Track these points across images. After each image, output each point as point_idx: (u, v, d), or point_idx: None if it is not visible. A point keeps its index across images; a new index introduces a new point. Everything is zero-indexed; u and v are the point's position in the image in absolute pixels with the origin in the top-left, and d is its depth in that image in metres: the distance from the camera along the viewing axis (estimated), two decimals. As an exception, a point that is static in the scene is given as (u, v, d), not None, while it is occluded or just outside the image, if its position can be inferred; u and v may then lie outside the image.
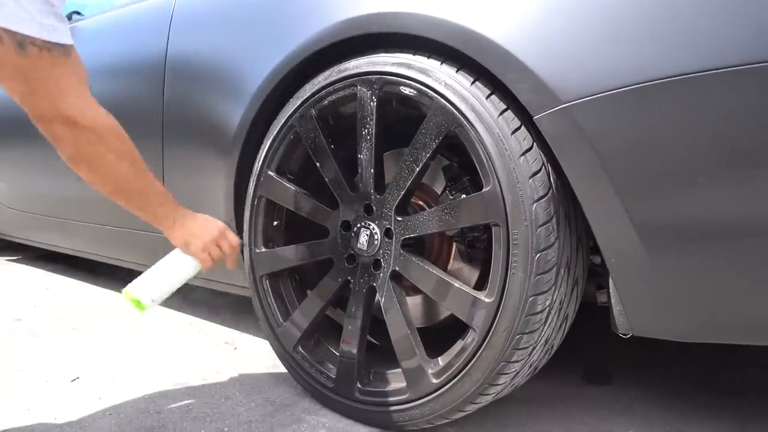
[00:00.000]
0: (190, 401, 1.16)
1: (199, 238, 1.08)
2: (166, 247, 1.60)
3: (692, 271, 0.79)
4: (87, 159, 0.93)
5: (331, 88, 1.08)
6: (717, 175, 0.75)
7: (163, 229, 1.07)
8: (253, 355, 1.46)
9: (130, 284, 1.05)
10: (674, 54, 0.74)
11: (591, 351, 1.57)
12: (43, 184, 2.06)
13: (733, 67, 0.71)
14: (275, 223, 1.24)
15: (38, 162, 2.01)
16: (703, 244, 0.77)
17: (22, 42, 0.78)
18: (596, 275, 1.07)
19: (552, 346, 0.99)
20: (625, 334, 0.88)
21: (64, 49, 0.84)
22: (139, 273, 1.82)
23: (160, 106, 1.49)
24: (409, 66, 0.98)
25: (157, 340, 1.56)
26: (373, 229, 1.06)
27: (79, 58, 0.89)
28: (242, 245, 1.19)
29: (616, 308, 0.87)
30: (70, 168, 0.94)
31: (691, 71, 0.73)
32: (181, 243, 1.08)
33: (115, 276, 2.35)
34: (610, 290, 0.88)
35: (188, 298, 2.05)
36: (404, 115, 1.08)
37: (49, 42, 0.80)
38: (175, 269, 1.10)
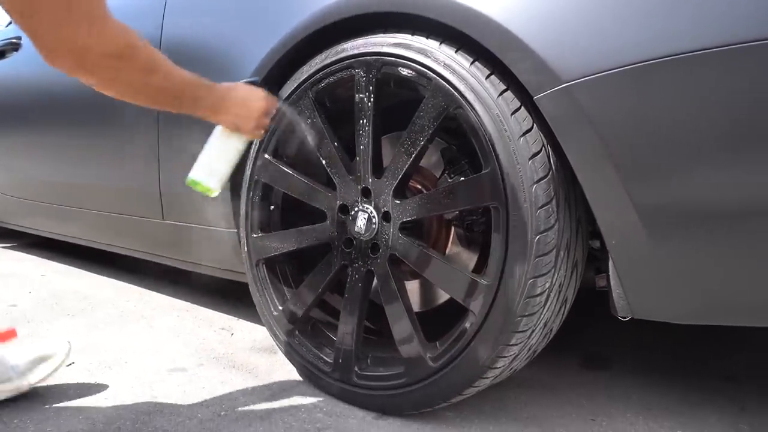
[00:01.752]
0: (186, 386, 1.15)
1: (248, 118, 1.04)
2: (163, 234, 1.59)
3: (694, 253, 0.78)
4: (113, 84, 0.86)
5: (328, 70, 1.07)
6: (720, 155, 0.74)
7: (208, 118, 1.03)
8: (250, 340, 1.46)
9: (191, 172, 1.06)
10: (677, 32, 0.73)
11: (589, 336, 1.57)
12: (40, 171, 2.04)
13: (738, 44, 0.69)
14: (272, 207, 1.23)
15: (34, 149, 2.00)
16: (705, 226, 0.76)
17: None
18: (595, 260, 1.07)
19: (551, 330, 0.98)
20: (624, 317, 0.88)
21: None
22: (134, 259, 1.80)
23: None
24: (407, 46, 0.97)
25: (154, 326, 1.56)
26: (371, 212, 1.05)
27: None
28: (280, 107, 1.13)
29: (616, 291, 0.87)
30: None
31: (694, 49, 0.72)
32: (233, 127, 1.04)
33: (110, 262, 2.34)
34: (610, 273, 0.87)
35: (185, 284, 2.04)
36: (403, 97, 1.07)
37: None
38: (227, 147, 1.08)
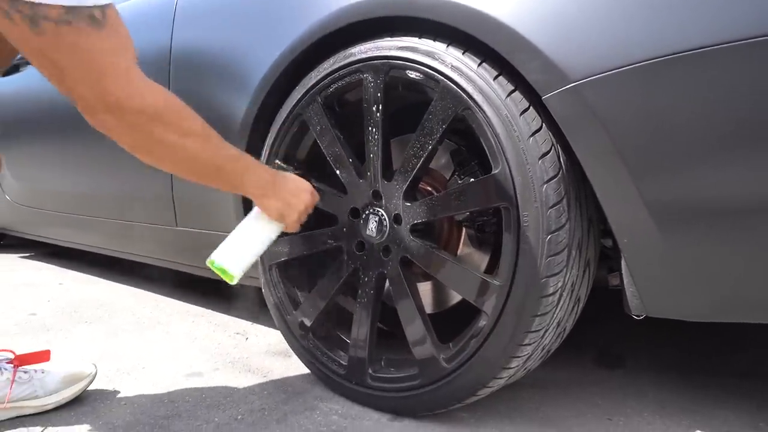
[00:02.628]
0: (203, 390, 1.17)
1: (294, 209, 0.99)
2: (177, 240, 1.61)
3: (707, 250, 0.78)
4: (146, 146, 0.80)
5: (336, 75, 1.08)
6: (731, 151, 0.74)
7: (254, 199, 0.98)
8: (264, 344, 1.47)
9: (215, 252, 0.98)
10: (686, 28, 0.73)
11: (603, 335, 1.56)
12: (55, 182, 2.07)
13: (748, 39, 0.69)
14: (284, 212, 1.24)
15: (50, 160, 2.03)
16: (718, 222, 0.76)
17: (33, 17, 0.65)
18: (607, 259, 1.07)
19: (564, 329, 0.98)
20: (638, 316, 0.88)
21: (91, 17, 0.68)
22: (150, 266, 1.82)
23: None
24: (414, 49, 0.97)
25: (170, 331, 1.57)
26: (382, 215, 1.05)
27: (118, 21, 0.73)
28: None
29: (629, 290, 0.87)
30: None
31: (703, 45, 0.72)
32: (276, 215, 0.99)
33: (127, 270, 2.37)
34: (623, 271, 0.87)
35: (199, 290, 2.06)
36: (411, 100, 1.07)
37: (66, 10, 0.66)
38: (259, 235, 1.02)
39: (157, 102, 0.77)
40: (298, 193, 1.00)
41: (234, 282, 0.99)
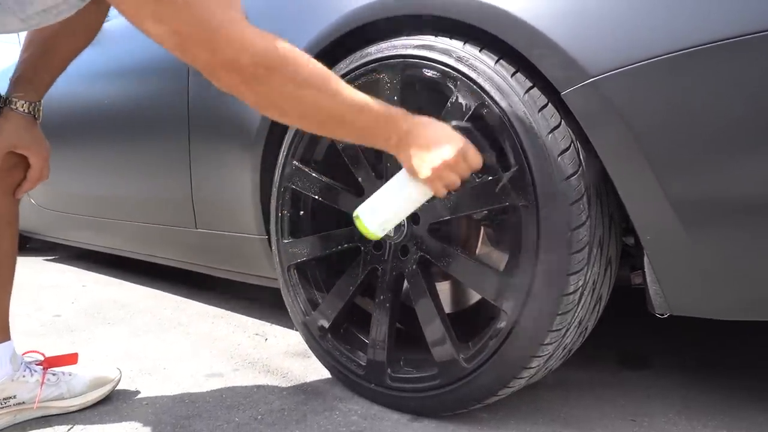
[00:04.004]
0: (223, 391, 1.17)
1: (427, 163, 0.84)
2: (196, 242, 1.63)
3: (733, 247, 0.76)
4: (268, 99, 0.77)
5: (353, 74, 1.08)
6: (757, 146, 0.72)
7: (388, 151, 0.88)
8: (283, 345, 1.47)
9: (361, 209, 0.91)
10: (709, 19, 0.71)
11: (626, 334, 1.53)
12: (79, 185, 2.11)
13: (772, 29, 0.67)
14: (301, 212, 1.25)
15: (73, 163, 2.07)
16: (744, 218, 0.74)
17: None
18: (629, 257, 1.05)
19: (586, 328, 0.96)
20: (662, 314, 0.86)
21: None
22: (170, 268, 1.85)
23: (185, 103, 1.51)
24: (431, 48, 0.97)
25: (190, 332, 1.59)
26: (400, 214, 1.05)
27: None
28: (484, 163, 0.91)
29: (653, 288, 0.85)
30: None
31: (727, 37, 0.70)
32: (408, 167, 0.87)
33: (148, 272, 2.40)
34: (646, 269, 0.85)
35: (218, 291, 2.08)
36: (428, 99, 1.07)
37: None
38: (403, 195, 0.91)
39: (270, 51, 0.74)
40: (437, 143, 0.84)
41: (376, 238, 0.93)
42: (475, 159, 0.87)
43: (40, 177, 1.05)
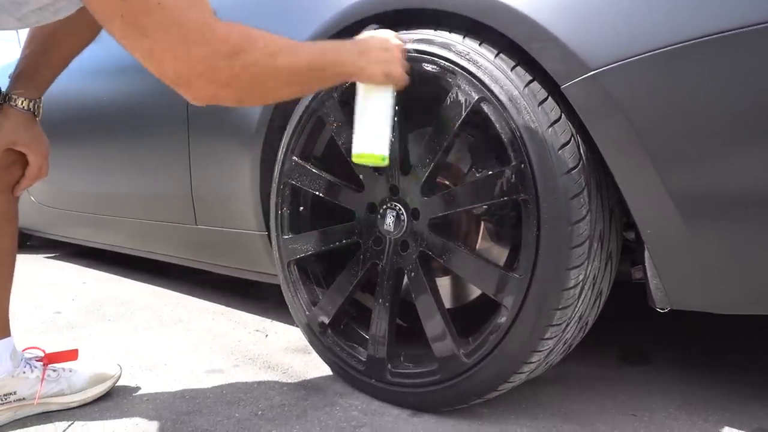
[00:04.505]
0: (224, 386, 1.17)
1: (395, 62, 0.93)
2: (196, 239, 1.63)
3: (734, 240, 0.76)
4: (249, 86, 0.78)
5: (352, 70, 1.07)
6: (757, 138, 0.71)
7: (354, 78, 0.93)
8: (284, 341, 1.47)
9: (354, 148, 0.94)
10: (710, 11, 0.71)
11: (626, 329, 1.53)
12: (78, 182, 2.11)
13: (774, 21, 0.67)
14: (301, 208, 1.24)
15: (72, 161, 2.07)
16: (745, 211, 0.74)
17: None
18: (630, 252, 1.05)
19: (586, 323, 0.96)
20: (662, 309, 0.86)
21: None
22: (170, 265, 1.84)
23: (184, 99, 1.50)
24: (430, 42, 0.96)
25: (190, 329, 1.59)
26: (400, 210, 1.04)
27: None
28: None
29: (653, 282, 0.85)
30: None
31: (729, 29, 0.70)
32: (382, 78, 0.92)
33: (148, 269, 2.40)
34: (646, 263, 0.85)
35: (219, 287, 2.08)
36: (427, 93, 1.06)
37: None
38: (378, 106, 0.95)
39: (241, 39, 0.75)
40: (387, 46, 0.93)
41: (386, 162, 0.95)
42: (397, 41, 0.96)
43: (38, 175, 1.05)
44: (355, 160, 0.95)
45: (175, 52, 0.70)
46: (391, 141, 0.96)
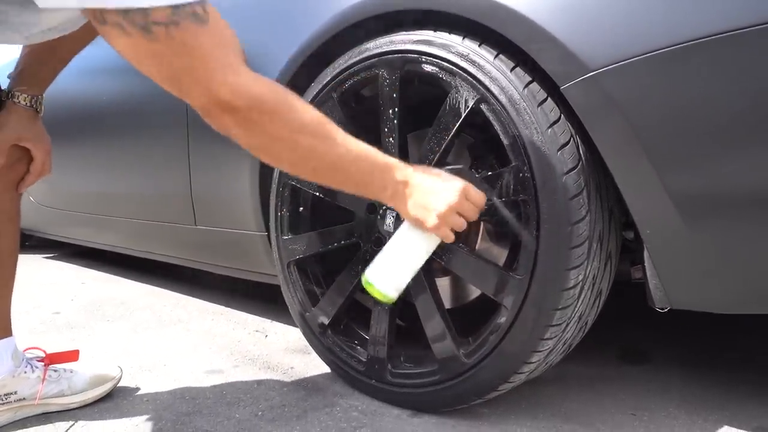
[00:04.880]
0: (223, 387, 1.17)
1: (432, 211, 0.83)
2: (196, 239, 1.63)
3: (733, 240, 0.76)
4: (262, 144, 0.77)
5: (351, 70, 1.07)
6: (756, 138, 0.72)
7: (381, 200, 0.87)
8: (284, 341, 1.47)
9: (369, 270, 0.89)
10: (709, 12, 0.71)
11: (626, 329, 1.53)
12: (77, 182, 2.11)
13: (772, 22, 0.67)
14: (301, 209, 1.24)
15: (71, 161, 2.06)
16: (744, 211, 0.74)
17: (145, 25, 0.65)
18: (629, 252, 1.05)
19: (586, 323, 0.96)
20: (662, 309, 0.86)
21: (194, 14, 0.68)
22: (170, 265, 1.84)
23: (184, 102, 1.50)
24: (429, 43, 0.96)
25: (190, 329, 1.59)
26: (399, 210, 1.04)
27: (217, 15, 0.71)
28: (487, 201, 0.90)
29: (652, 282, 0.85)
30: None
31: (725, 30, 0.70)
32: (412, 219, 0.86)
33: (147, 269, 2.40)
34: (645, 263, 0.85)
35: (218, 288, 2.08)
36: (427, 94, 1.06)
37: (173, 11, 0.66)
38: (412, 249, 0.89)
39: (266, 94, 0.74)
40: (438, 192, 0.84)
41: (390, 301, 0.91)
42: (478, 197, 0.87)
43: (42, 171, 1.06)
44: (363, 283, 0.91)
45: (200, 87, 0.71)
46: (405, 287, 0.91)
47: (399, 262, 0.89)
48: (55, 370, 1.07)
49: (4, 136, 0.98)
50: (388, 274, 0.89)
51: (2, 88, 1.02)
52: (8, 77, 1.04)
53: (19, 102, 1.01)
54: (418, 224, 0.86)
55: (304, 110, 0.78)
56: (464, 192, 0.85)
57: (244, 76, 0.73)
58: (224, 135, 0.77)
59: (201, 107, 0.73)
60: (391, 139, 1.03)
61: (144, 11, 0.65)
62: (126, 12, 0.65)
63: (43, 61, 1.03)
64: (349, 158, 0.81)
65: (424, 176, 0.86)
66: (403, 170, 0.85)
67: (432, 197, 0.84)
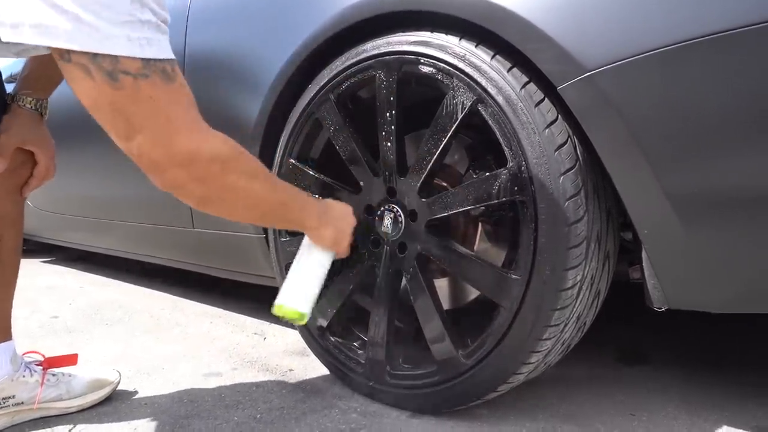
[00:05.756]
0: (222, 390, 1.17)
1: (346, 234, 0.98)
2: (194, 242, 1.62)
3: (731, 240, 0.76)
4: (218, 195, 0.79)
5: (349, 72, 1.07)
6: (756, 139, 0.72)
7: (308, 231, 0.96)
8: (282, 344, 1.47)
9: (278, 298, 0.95)
10: (706, 11, 0.71)
11: (625, 330, 1.53)
12: (75, 186, 2.10)
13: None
14: (299, 211, 1.24)
15: (69, 165, 2.06)
16: (742, 211, 0.74)
17: (112, 72, 0.65)
18: (627, 252, 1.05)
19: (584, 323, 0.96)
20: (660, 309, 0.86)
21: (164, 71, 0.69)
22: (168, 268, 1.84)
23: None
24: (426, 44, 0.97)
25: (188, 332, 1.59)
26: (397, 211, 1.05)
27: (181, 75, 0.74)
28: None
29: (650, 282, 0.85)
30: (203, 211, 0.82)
31: (726, 29, 0.70)
32: (330, 243, 0.97)
33: (145, 273, 2.39)
34: (644, 264, 0.85)
35: (217, 291, 2.07)
36: (424, 95, 1.07)
37: (144, 64, 0.67)
38: (315, 267, 0.98)
39: (225, 149, 0.77)
40: (345, 217, 1.00)
41: (303, 322, 0.97)
42: (354, 219, 1.02)
43: (46, 175, 1.06)
44: (275, 310, 0.95)
45: (158, 141, 0.71)
46: (315, 303, 0.98)
47: (307, 280, 0.97)
48: (54, 374, 1.07)
49: (8, 138, 0.98)
50: (300, 292, 0.96)
51: (8, 92, 1.02)
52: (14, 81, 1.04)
53: (24, 105, 1.01)
54: (334, 246, 0.98)
55: (254, 160, 0.84)
56: (355, 215, 1.01)
57: (204, 132, 0.76)
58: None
59: (152, 162, 0.72)
60: (388, 140, 1.03)
61: (114, 58, 0.65)
62: (95, 56, 0.65)
63: (48, 65, 1.03)
64: (288, 198, 0.90)
65: (331, 206, 0.99)
66: (318, 202, 0.97)
67: (343, 223, 0.98)
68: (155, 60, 0.68)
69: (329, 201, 1.02)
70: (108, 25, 0.64)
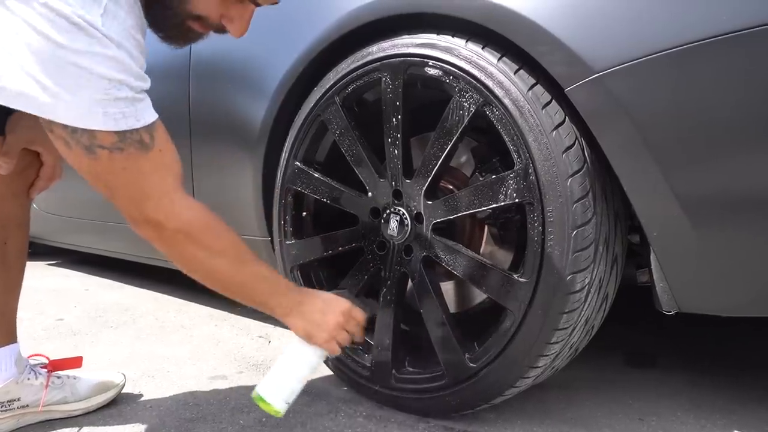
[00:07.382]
0: (227, 393, 1.17)
1: (323, 329, 0.93)
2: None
3: (742, 242, 0.75)
4: (179, 260, 0.86)
5: (354, 74, 1.07)
6: (764, 139, 0.71)
7: (278, 318, 0.95)
8: (287, 347, 1.47)
9: (258, 386, 0.93)
10: (715, 12, 0.70)
11: (632, 334, 1.52)
12: (81, 189, 2.11)
13: (779, 22, 0.67)
14: (304, 213, 1.24)
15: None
16: (753, 213, 0.73)
17: (89, 146, 0.71)
18: (635, 255, 1.04)
19: (592, 327, 0.96)
20: (669, 312, 0.85)
21: (140, 141, 0.74)
22: (172, 271, 1.84)
23: (186, 106, 1.50)
24: (432, 46, 0.96)
25: (193, 335, 1.58)
26: (403, 214, 1.04)
27: (164, 138, 0.79)
28: (367, 317, 1.01)
29: (659, 285, 0.84)
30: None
31: (731, 30, 0.69)
32: (303, 335, 0.94)
33: (150, 275, 2.39)
34: (652, 267, 0.84)
35: (221, 294, 2.07)
36: (431, 97, 1.06)
37: (119, 138, 0.71)
38: (300, 363, 0.96)
39: (193, 223, 0.82)
40: (328, 312, 0.94)
41: (280, 415, 0.93)
42: (360, 315, 0.98)
43: (53, 176, 1.06)
44: (253, 397, 0.94)
45: (132, 204, 0.79)
46: (294, 399, 0.95)
47: (290, 376, 0.95)
48: (59, 377, 1.07)
49: (16, 137, 0.97)
50: (281, 387, 0.94)
51: None
52: None
53: None
54: (309, 339, 0.94)
55: (226, 236, 0.87)
56: (348, 311, 0.96)
57: (178, 202, 0.81)
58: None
59: (130, 218, 0.80)
60: (394, 143, 1.03)
61: (91, 133, 0.70)
62: (74, 130, 0.70)
63: None
64: (256, 279, 0.91)
65: (316, 298, 0.96)
66: (298, 293, 0.95)
67: (323, 316, 0.94)
68: (131, 131, 0.73)
69: (315, 292, 0.98)
70: (86, 102, 0.68)
